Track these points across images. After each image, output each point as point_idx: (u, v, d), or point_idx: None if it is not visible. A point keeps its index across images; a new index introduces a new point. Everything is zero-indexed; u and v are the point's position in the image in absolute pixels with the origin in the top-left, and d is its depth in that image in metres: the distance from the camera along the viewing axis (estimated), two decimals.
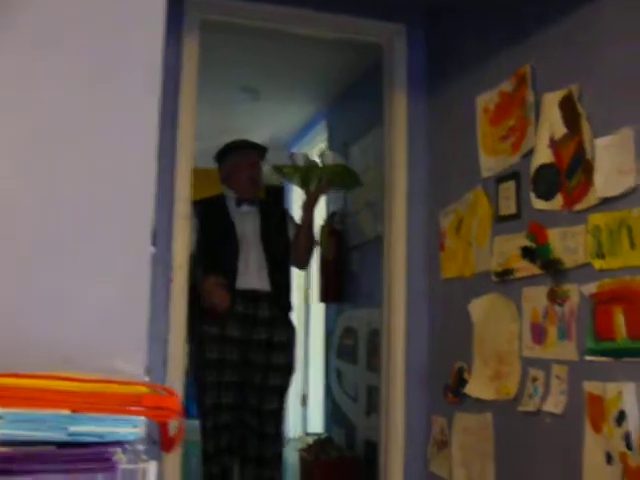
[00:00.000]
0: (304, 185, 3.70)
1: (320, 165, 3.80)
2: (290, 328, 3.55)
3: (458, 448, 2.88)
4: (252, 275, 3.40)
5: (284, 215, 3.80)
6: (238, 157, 3.62)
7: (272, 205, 3.91)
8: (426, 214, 3.24)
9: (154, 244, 1.59)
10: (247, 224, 3.51)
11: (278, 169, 3.84)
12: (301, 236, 3.61)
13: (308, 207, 3.65)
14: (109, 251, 1.42)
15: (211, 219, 3.49)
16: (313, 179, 3.69)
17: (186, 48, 2.98)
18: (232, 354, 3.34)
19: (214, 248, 3.44)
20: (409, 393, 3.19)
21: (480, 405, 2.72)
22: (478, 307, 2.76)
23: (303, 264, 3.78)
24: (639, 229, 1.98)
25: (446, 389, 2.99)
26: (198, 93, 3.12)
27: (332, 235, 4.57)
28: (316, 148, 5.24)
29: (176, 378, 2.93)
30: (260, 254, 3.46)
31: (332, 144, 4.80)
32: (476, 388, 2.74)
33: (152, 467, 1.08)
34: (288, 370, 3.50)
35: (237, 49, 4.01)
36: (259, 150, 3.72)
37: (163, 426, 1.21)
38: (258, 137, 5.72)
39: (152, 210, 1.49)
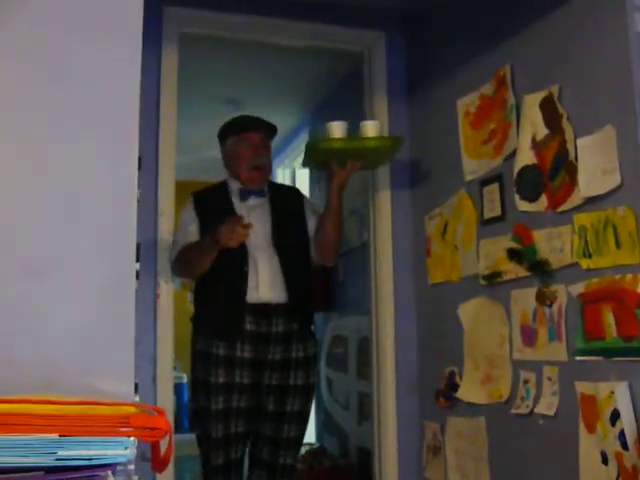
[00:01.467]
0: (340, 164, 2.91)
1: (363, 138, 2.96)
2: (310, 342, 2.87)
3: (452, 453, 2.87)
4: (263, 286, 2.76)
5: (301, 203, 3.04)
6: (237, 140, 2.91)
7: (285, 192, 3.16)
8: (411, 219, 3.24)
9: (138, 260, 1.57)
10: (255, 222, 2.78)
11: (311, 146, 3.00)
12: (329, 224, 2.88)
13: (339, 189, 2.91)
14: (94, 269, 1.40)
15: (212, 218, 2.80)
16: (349, 157, 2.91)
17: (165, 61, 2.97)
18: (242, 377, 2.74)
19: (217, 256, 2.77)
20: (400, 400, 3.18)
21: (473, 409, 2.71)
22: (467, 311, 2.76)
23: (331, 259, 3.03)
24: (624, 228, 1.98)
25: (438, 394, 2.97)
26: (182, 107, 3.13)
27: None
28: (299, 159, 5.23)
29: (166, 396, 2.92)
30: (273, 258, 2.80)
31: None
32: (468, 392, 2.73)
33: None
34: (307, 391, 2.86)
35: (219, 62, 4.01)
36: (265, 130, 2.96)
37: (154, 446, 1.19)
38: None
39: (135, 226, 1.47)
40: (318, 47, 3.45)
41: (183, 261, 2.83)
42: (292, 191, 3.20)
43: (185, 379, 7.67)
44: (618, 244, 2.01)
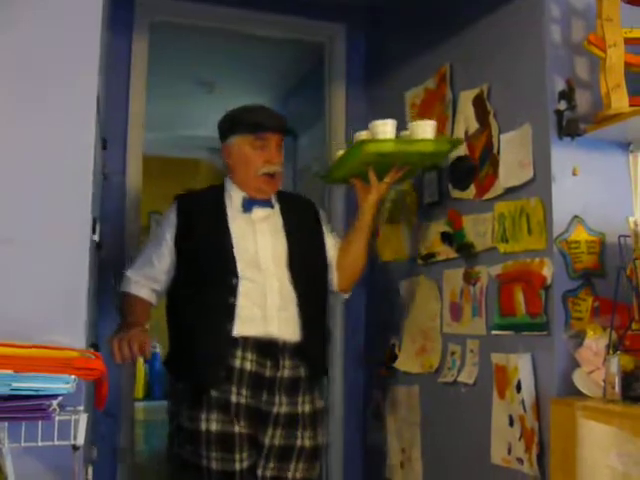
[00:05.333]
0: (383, 172, 2.47)
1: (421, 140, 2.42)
2: (317, 393, 2.44)
3: (391, 419, 3.12)
4: (272, 318, 2.31)
5: (318, 219, 2.59)
6: (249, 140, 2.41)
7: (298, 203, 2.62)
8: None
9: (94, 232, 1.78)
10: (261, 237, 2.39)
11: (357, 148, 2.43)
12: (360, 245, 2.51)
13: (377, 203, 2.52)
14: (50, 237, 1.62)
15: (200, 231, 2.39)
16: (393, 163, 2.47)
17: (136, 48, 3.17)
18: (239, 427, 2.25)
19: (199, 274, 2.35)
20: (349, 368, 3.43)
21: (409, 378, 2.95)
22: (407, 288, 3.00)
23: (352, 286, 2.63)
24: (535, 217, 2.23)
25: (381, 364, 3.22)
26: (154, 86, 3.32)
27: None
28: None
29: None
30: (285, 285, 2.35)
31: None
32: (405, 362, 2.98)
33: (83, 418, 1.29)
34: (314, 455, 2.38)
35: (191, 45, 4.16)
36: (284, 131, 2.48)
37: (97, 386, 1.43)
38: (213, 129, 5.92)
39: (89, 201, 1.68)
40: (284, 37, 3.64)
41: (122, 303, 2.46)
42: (306, 203, 2.65)
43: (158, 348, 7.92)
44: (529, 231, 2.26)
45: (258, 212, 2.42)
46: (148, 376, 7.76)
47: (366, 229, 2.51)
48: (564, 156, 2.19)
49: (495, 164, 2.41)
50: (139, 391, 6.92)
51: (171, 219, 2.43)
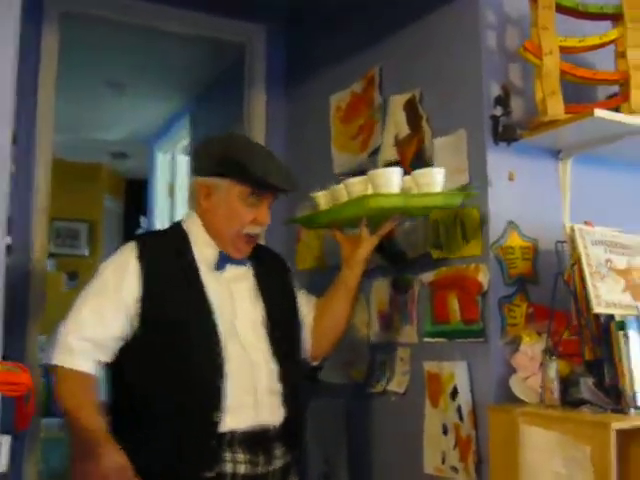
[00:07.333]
0: (374, 222, 2.19)
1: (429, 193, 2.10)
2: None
3: (314, 430, 3.03)
4: (262, 403, 1.92)
5: (289, 278, 2.27)
6: (245, 191, 1.98)
7: (269, 260, 2.23)
8: (285, 208, 3.37)
9: (9, 232, 1.63)
10: (240, 301, 2.01)
11: (361, 203, 2.12)
12: (345, 305, 2.21)
13: (368, 258, 2.22)
14: None
15: (166, 285, 1.94)
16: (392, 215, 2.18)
17: (45, 40, 2.98)
18: None
19: (171, 349, 1.89)
20: None
21: (334, 389, 2.87)
22: None
23: (332, 351, 2.32)
24: (470, 223, 2.20)
25: (305, 376, 3.13)
26: (62, 86, 3.13)
27: None
28: (179, 144, 5.30)
29: (33, 372, 2.95)
30: (267, 358, 1.98)
31: (195, 140, 4.85)
32: (330, 374, 2.89)
33: (5, 440, 1.15)
34: None
35: (102, 43, 4.00)
36: (289, 191, 2.07)
37: (18, 402, 1.28)
38: (121, 131, 5.74)
39: (6, 200, 1.53)
40: (203, 36, 3.52)
41: (65, 400, 1.79)
42: (276, 260, 2.29)
43: None
44: (465, 237, 2.22)
45: (231, 270, 2.03)
46: (46, 391, 7.40)
47: (353, 288, 2.20)
48: (499, 162, 2.17)
49: None
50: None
51: (131, 274, 1.92)
